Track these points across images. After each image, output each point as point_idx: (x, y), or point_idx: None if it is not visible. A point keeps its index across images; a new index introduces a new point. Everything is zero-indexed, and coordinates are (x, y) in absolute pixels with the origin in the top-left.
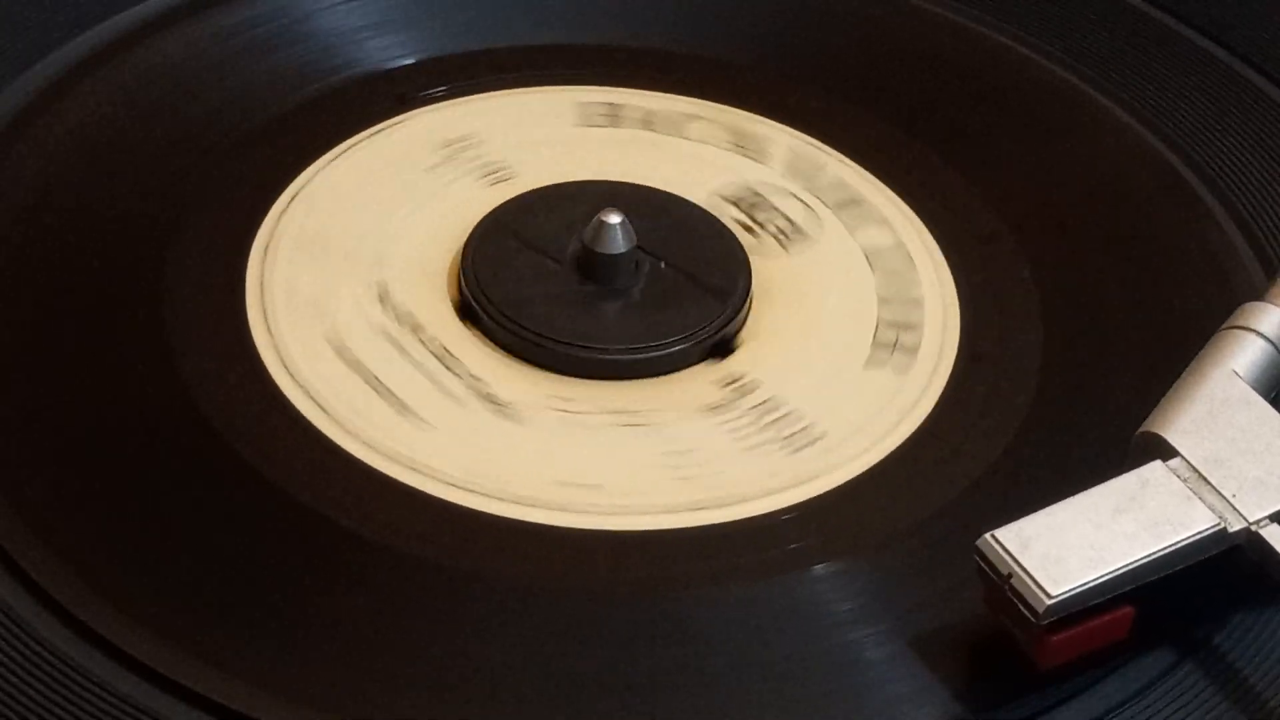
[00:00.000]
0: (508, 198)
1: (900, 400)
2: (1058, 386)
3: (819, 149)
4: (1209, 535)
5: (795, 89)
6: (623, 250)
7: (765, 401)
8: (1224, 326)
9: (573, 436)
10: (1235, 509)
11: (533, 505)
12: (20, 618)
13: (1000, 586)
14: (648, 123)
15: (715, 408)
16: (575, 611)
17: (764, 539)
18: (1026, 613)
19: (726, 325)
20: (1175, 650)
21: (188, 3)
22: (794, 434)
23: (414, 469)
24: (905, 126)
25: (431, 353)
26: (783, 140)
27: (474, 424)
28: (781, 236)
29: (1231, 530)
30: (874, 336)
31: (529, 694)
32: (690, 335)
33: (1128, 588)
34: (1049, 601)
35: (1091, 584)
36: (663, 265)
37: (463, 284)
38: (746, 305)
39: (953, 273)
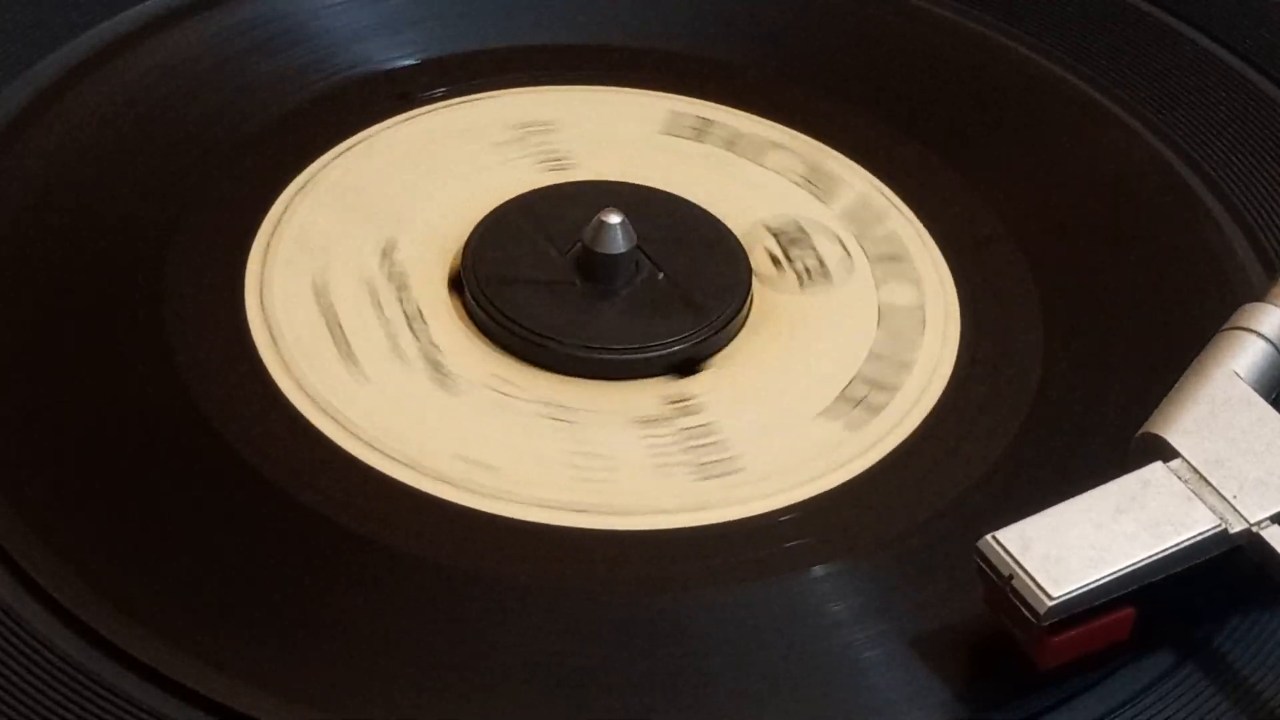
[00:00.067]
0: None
1: (836, 454)
2: (1058, 386)
3: (890, 200)
4: (1210, 536)
5: (795, 89)
6: (623, 250)
7: (701, 426)
8: (1225, 327)
9: (493, 417)
10: (1236, 510)
11: (423, 473)
12: (20, 618)
13: (1001, 587)
14: (730, 143)
15: (648, 421)
16: (575, 611)
17: (763, 539)
18: (1027, 614)
19: (695, 346)
20: (1175, 651)
21: (188, 3)
22: (711, 462)
23: (328, 414)
24: (905, 126)
25: (404, 312)
26: (857, 185)
27: (409, 387)
28: (804, 275)
29: (1232, 531)
30: (844, 389)
31: (529, 694)
32: (651, 348)
33: (1129, 589)
34: (1050, 603)
35: (1093, 585)
36: (660, 276)
37: (461, 256)
38: (726, 330)
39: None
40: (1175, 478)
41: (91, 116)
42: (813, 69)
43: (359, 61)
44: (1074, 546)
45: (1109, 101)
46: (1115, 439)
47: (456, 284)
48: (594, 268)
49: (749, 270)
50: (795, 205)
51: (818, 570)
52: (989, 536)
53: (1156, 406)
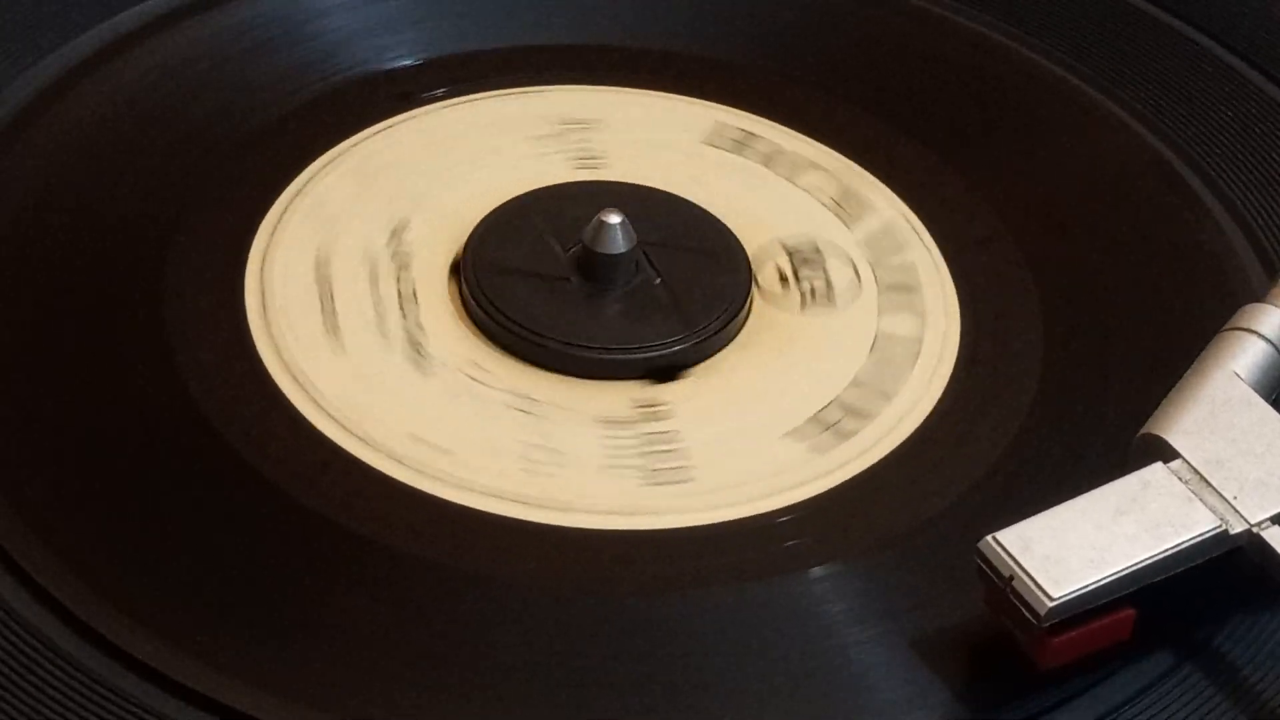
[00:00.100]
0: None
1: (792, 475)
2: (1058, 387)
3: (916, 230)
4: (1210, 537)
5: (795, 89)
6: (622, 251)
7: (664, 433)
8: (1225, 328)
9: (458, 401)
10: (1236, 511)
11: (376, 449)
12: (20, 617)
13: (1001, 588)
14: (769, 159)
15: (613, 422)
16: (575, 611)
17: (763, 540)
18: (1028, 615)
19: (677, 354)
20: (1175, 651)
21: (188, 3)
22: (664, 469)
23: (294, 380)
24: (905, 126)
25: (398, 291)
26: (885, 212)
27: (383, 363)
28: (809, 296)
29: (1233, 532)
30: (818, 411)
31: (528, 693)
32: (631, 350)
33: (1129, 589)
34: (1051, 604)
35: (1093, 586)
36: (658, 281)
37: (465, 242)
38: (710, 341)
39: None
40: (1175, 478)
41: (91, 116)
42: (813, 69)
43: (360, 61)
44: (1074, 547)
45: (1109, 101)
46: (1115, 439)
47: (457, 270)
48: (593, 267)
49: (748, 283)
50: (817, 226)
51: (818, 571)
52: (989, 537)
53: (1156, 407)
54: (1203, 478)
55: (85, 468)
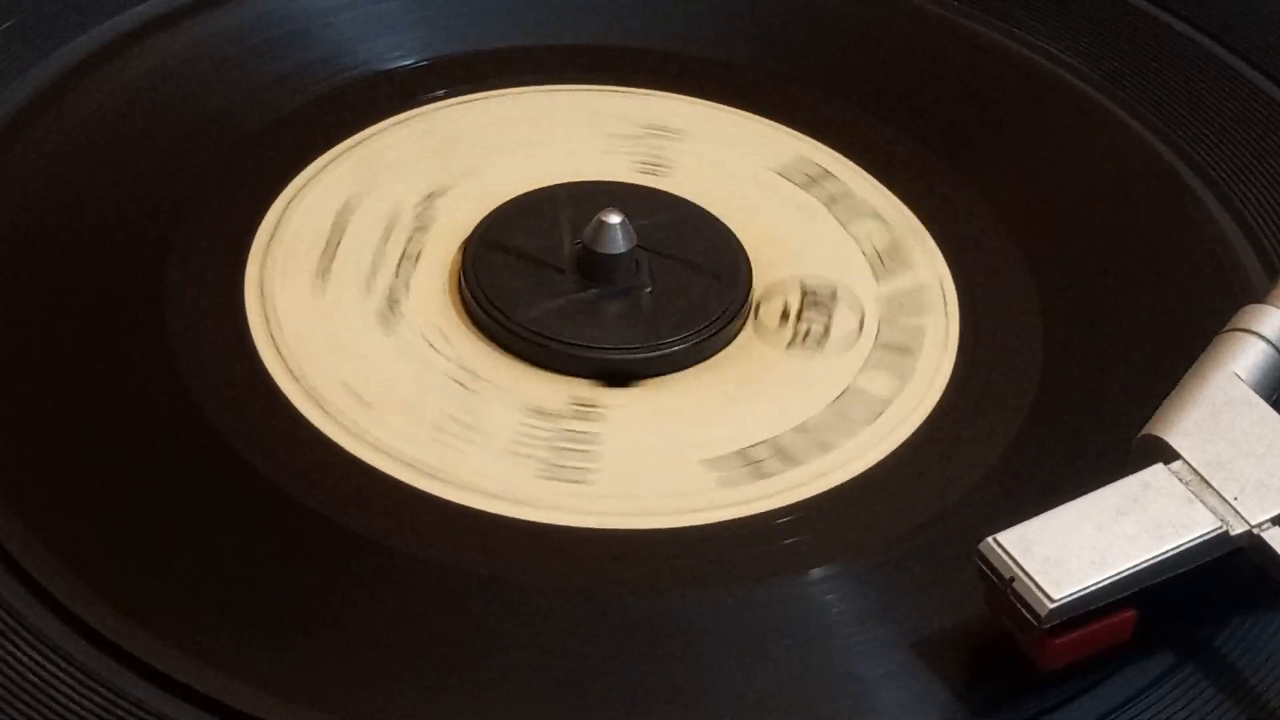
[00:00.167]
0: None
1: (685, 502)
2: (1058, 387)
3: (945, 298)
4: (1211, 538)
5: (795, 89)
6: (620, 251)
7: (585, 433)
8: (1225, 329)
9: (404, 362)
10: (1237, 512)
11: (303, 385)
12: (20, 617)
13: (1002, 589)
14: (833, 200)
15: (541, 412)
16: (576, 611)
17: (763, 540)
18: (1029, 616)
19: (631, 362)
20: (1176, 652)
21: (188, 3)
22: (566, 466)
23: (262, 311)
24: (905, 126)
25: (403, 251)
26: (923, 275)
27: (353, 312)
28: (801, 337)
29: (1233, 533)
30: (747, 447)
31: (528, 693)
32: (586, 349)
33: (1130, 591)
34: (1051, 605)
35: (1094, 587)
36: (648, 290)
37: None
38: (669, 357)
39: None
40: (1176, 480)
41: (91, 116)
42: (813, 69)
43: (362, 61)
44: (1075, 548)
45: (1109, 101)
46: (1115, 440)
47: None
48: (591, 265)
49: (736, 311)
50: (847, 273)
51: (819, 572)
52: (990, 539)
53: (1157, 408)
54: (1203, 479)
55: (85, 468)
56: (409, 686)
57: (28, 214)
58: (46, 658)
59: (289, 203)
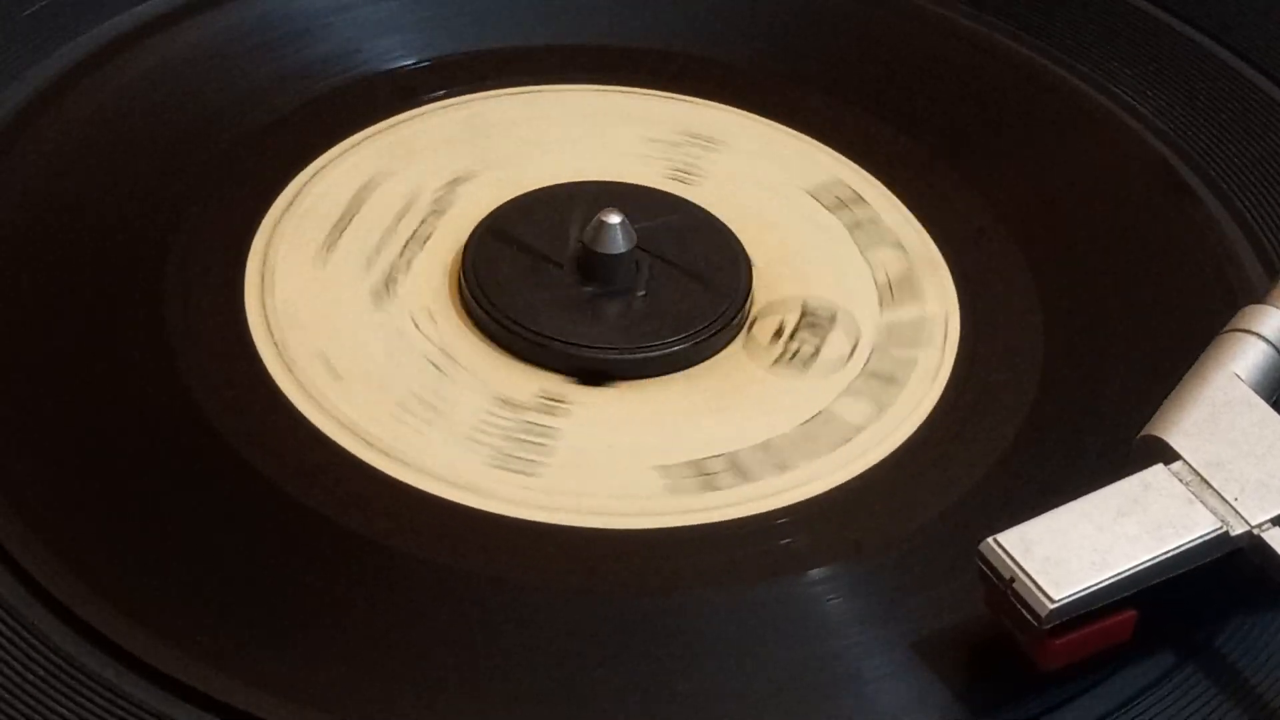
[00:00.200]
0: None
1: (630, 504)
2: (1058, 387)
3: (947, 334)
4: (1211, 539)
5: (795, 89)
6: (619, 251)
7: (545, 427)
8: (1225, 329)
9: (384, 339)
10: (1237, 512)
11: (280, 353)
12: (20, 616)
13: (1002, 590)
14: (857, 225)
15: (506, 402)
16: (576, 612)
17: (764, 540)
18: (1029, 616)
19: (606, 363)
20: (1176, 652)
21: (188, 3)
22: (517, 457)
23: (261, 287)
24: (905, 126)
25: (414, 232)
26: (930, 309)
27: (348, 286)
28: (788, 357)
29: (1233, 534)
30: (703, 458)
31: (528, 693)
32: (562, 345)
33: (1130, 591)
34: (1051, 606)
35: (1094, 588)
36: (641, 294)
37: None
38: (646, 363)
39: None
40: (1176, 480)
41: (91, 116)
42: (813, 69)
43: (363, 61)
44: (1075, 549)
45: (1109, 101)
46: (1115, 440)
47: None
48: (590, 264)
49: (726, 326)
50: (852, 298)
51: (819, 572)
52: (990, 539)
53: (1157, 408)
54: (1203, 479)
55: (85, 468)
56: (409, 686)
57: (28, 214)
58: (46, 658)
59: (313, 176)
